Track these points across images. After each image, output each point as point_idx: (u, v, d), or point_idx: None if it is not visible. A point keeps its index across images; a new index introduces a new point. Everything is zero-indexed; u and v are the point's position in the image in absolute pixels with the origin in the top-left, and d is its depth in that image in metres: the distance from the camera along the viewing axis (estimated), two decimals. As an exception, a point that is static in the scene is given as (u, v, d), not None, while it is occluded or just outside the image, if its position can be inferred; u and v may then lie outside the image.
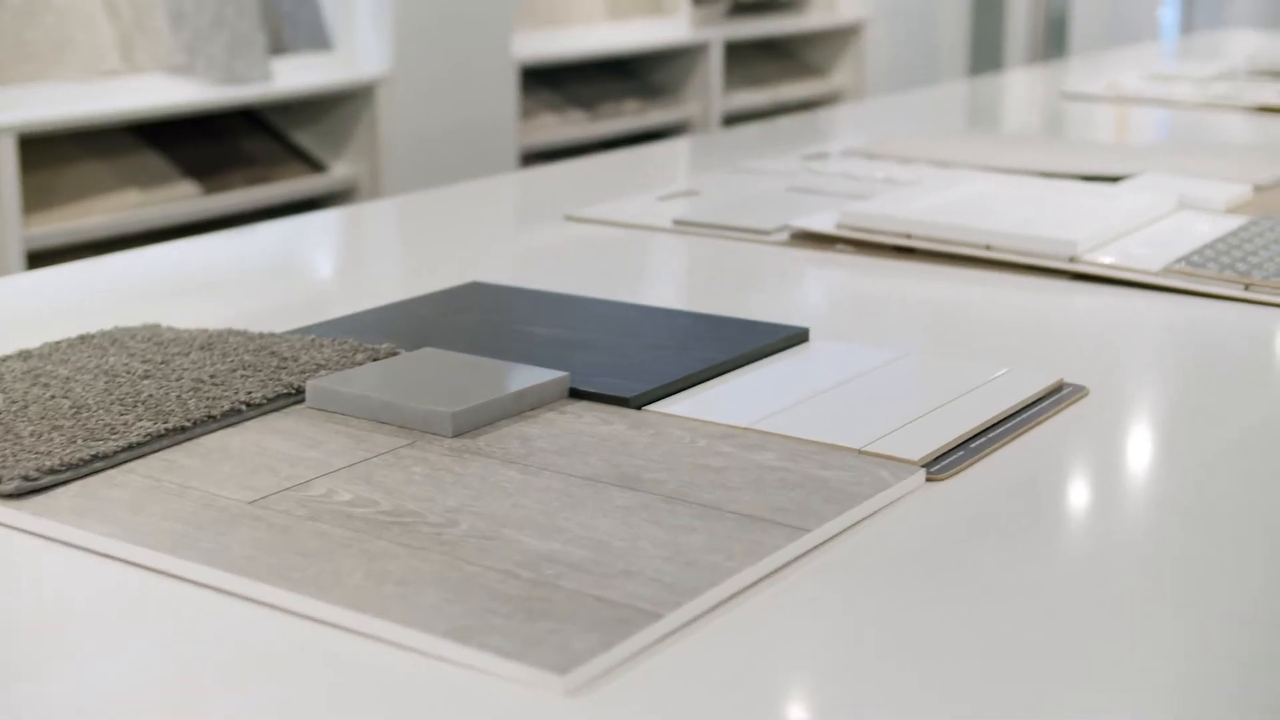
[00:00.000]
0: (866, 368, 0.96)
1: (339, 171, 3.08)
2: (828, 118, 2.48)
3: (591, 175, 1.76)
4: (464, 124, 3.19)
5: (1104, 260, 1.22)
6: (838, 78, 4.53)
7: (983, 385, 0.92)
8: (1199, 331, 1.11)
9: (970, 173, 1.57)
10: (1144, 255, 1.23)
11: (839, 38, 4.52)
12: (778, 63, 4.43)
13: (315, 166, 3.07)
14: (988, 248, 1.25)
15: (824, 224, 1.33)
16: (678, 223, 1.39)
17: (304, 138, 3.10)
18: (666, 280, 1.30)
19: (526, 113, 3.51)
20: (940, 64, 4.73)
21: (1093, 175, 1.60)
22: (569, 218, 1.44)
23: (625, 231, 1.39)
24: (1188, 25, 6.15)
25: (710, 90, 3.89)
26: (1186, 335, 1.11)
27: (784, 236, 1.34)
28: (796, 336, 1.02)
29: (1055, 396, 0.92)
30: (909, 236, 1.28)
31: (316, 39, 3.12)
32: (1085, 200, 1.39)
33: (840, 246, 1.31)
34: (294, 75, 2.99)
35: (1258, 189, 1.53)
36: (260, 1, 2.91)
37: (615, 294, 1.14)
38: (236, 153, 2.96)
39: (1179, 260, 1.21)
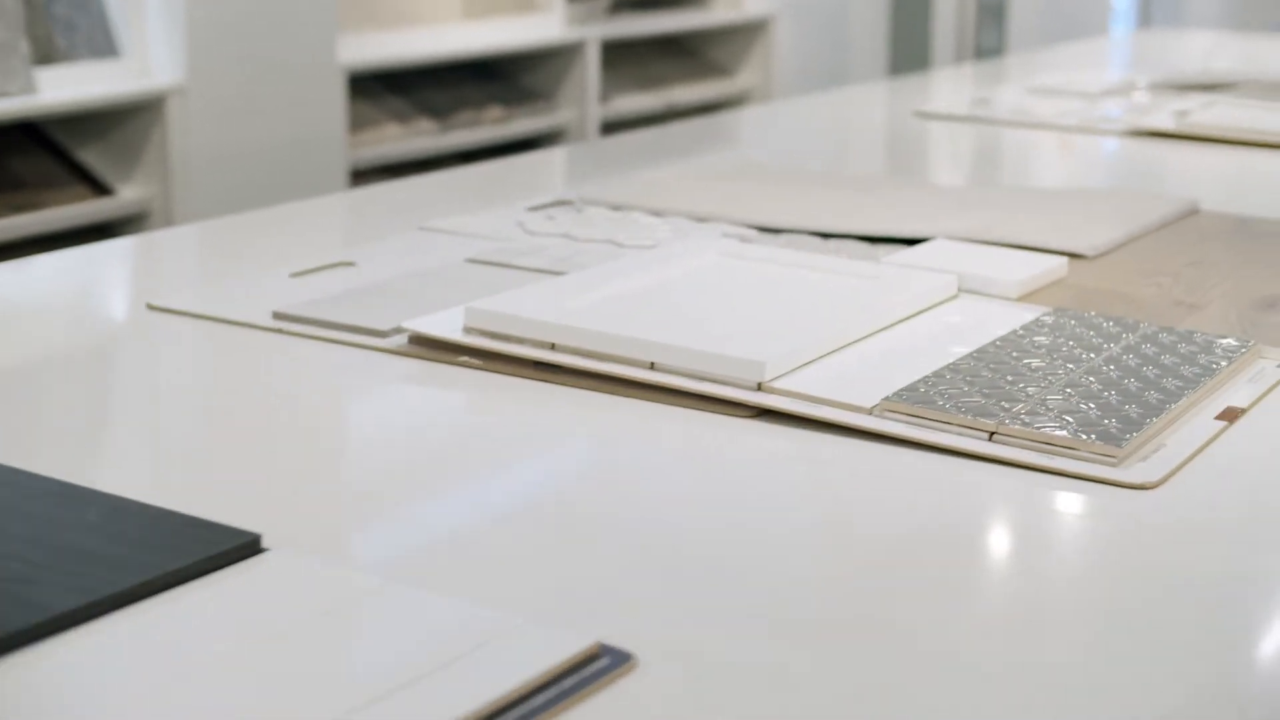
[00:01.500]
0: (292, 617, 0.61)
1: (127, 194, 2.72)
2: (713, 125, 2.14)
3: (373, 200, 1.40)
4: (277, 139, 2.84)
5: (801, 390, 0.87)
6: (744, 78, 4.18)
7: (452, 663, 0.58)
8: (905, 512, 0.76)
9: (703, 238, 1.22)
10: (866, 381, 0.88)
11: (744, 35, 4.16)
12: (678, 62, 4.08)
13: (101, 189, 2.71)
14: (652, 366, 0.91)
15: (446, 326, 0.98)
16: (277, 317, 1.04)
17: (89, 156, 2.74)
18: (186, 410, 0.95)
19: (365, 123, 3.15)
20: (856, 63, 4.38)
21: (879, 236, 1.26)
22: (151, 306, 1.09)
23: (209, 329, 1.04)
24: (1144, 20, 5.80)
25: (586, 95, 3.54)
26: (891, 517, 0.76)
27: (403, 339, 0.99)
28: (244, 548, 0.67)
29: (579, 674, 0.58)
30: (553, 347, 0.94)
31: (102, 46, 2.76)
32: (826, 286, 1.05)
33: (466, 359, 0.96)
34: (71, 86, 2.64)
35: (1077, 259, 1.19)
36: (22, 5, 2.55)
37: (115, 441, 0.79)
38: (3, 174, 2.60)
39: (903, 392, 0.86)
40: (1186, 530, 0.75)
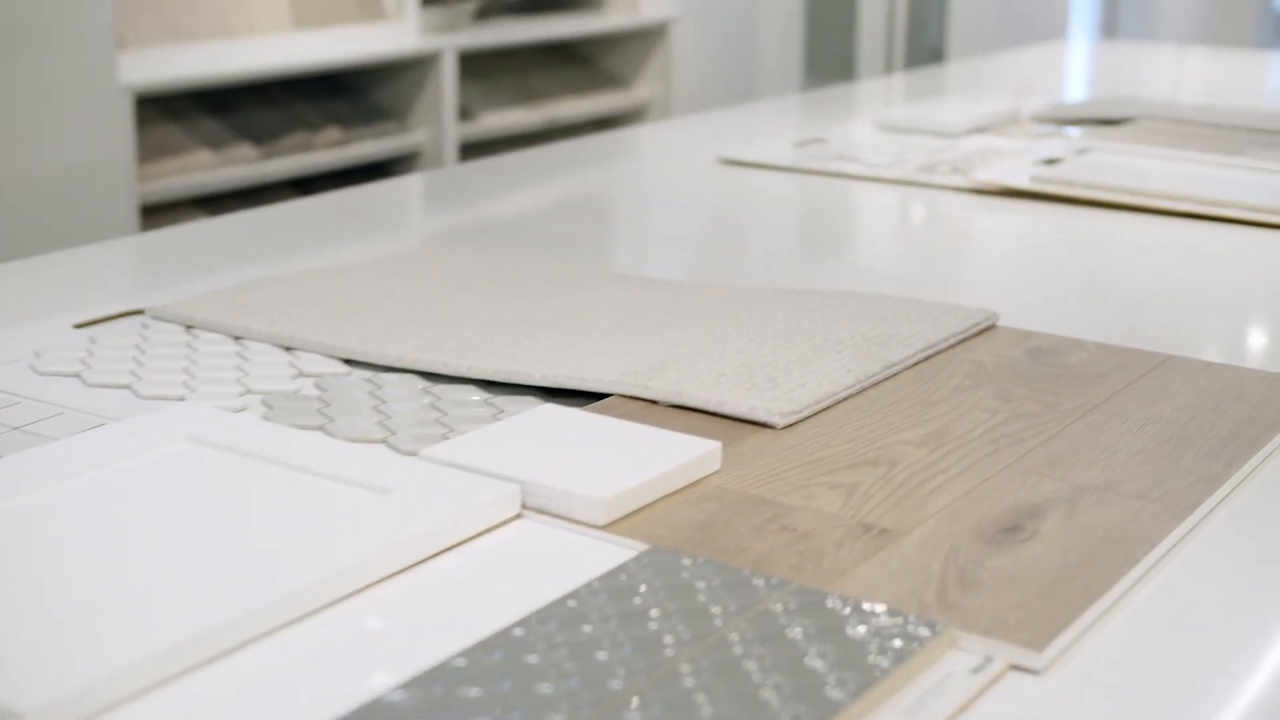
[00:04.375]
0: None
1: None
2: (575, 149, 1.80)
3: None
4: (39, 171, 2.48)
5: None
6: (642, 89, 3.82)
7: None
8: None
9: (177, 414, 0.87)
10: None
11: (642, 41, 3.80)
12: (568, 72, 3.72)
13: None
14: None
15: None
16: None
17: None
18: None
19: (171, 150, 2.79)
20: (768, 72, 4.01)
21: (512, 382, 0.90)
22: None
23: None
24: (1109, 30, 5.39)
25: (442, 112, 3.18)
26: None
27: None
28: None
29: None
30: None
31: None
32: (303, 509, 0.69)
33: None
34: None
35: (761, 430, 0.83)
36: None
37: None
38: None
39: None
40: None
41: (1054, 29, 4.81)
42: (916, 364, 0.94)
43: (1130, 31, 5.12)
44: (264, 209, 1.47)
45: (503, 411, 0.88)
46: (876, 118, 1.83)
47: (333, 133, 3.05)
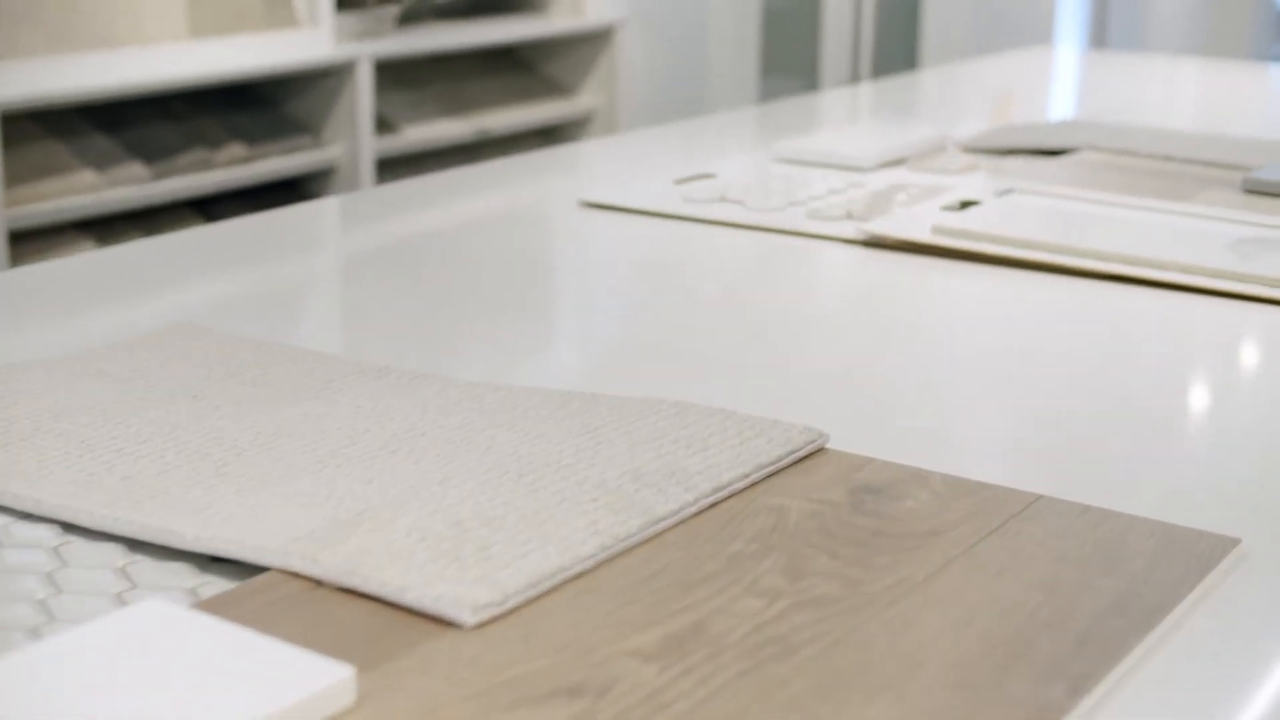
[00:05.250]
0: None
1: None
2: (481, 173, 1.60)
3: None
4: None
5: None
6: (586, 98, 3.60)
7: None
8: None
9: None
10: None
11: (586, 47, 3.58)
12: (511, 80, 3.50)
13: None
14: None
15: None
16: None
17: None
18: None
19: (49, 170, 2.58)
20: (721, 79, 3.78)
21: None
22: None
23: None
24: (1098, 40, 5.13)
25: (358, 125, 2.96)
26: None
27: None
28: None
29: None
30: None
31: None
32: None
33: None
34: None
35: (447, 631, 0.62)
36: None
37: None
38: None
39: None
40: None
41: (1039, 36, 4.57)
42: (697, 514, 0.73)
43: (1121, 41, 4.88)
44: (149, 240, 1.31)
45: (135, 588, 0.67)
46: (777, 148, 1.61)
47: (235, 149, 2.83)
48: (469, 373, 0.94)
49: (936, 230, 1.27)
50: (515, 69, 3.56)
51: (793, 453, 0.80)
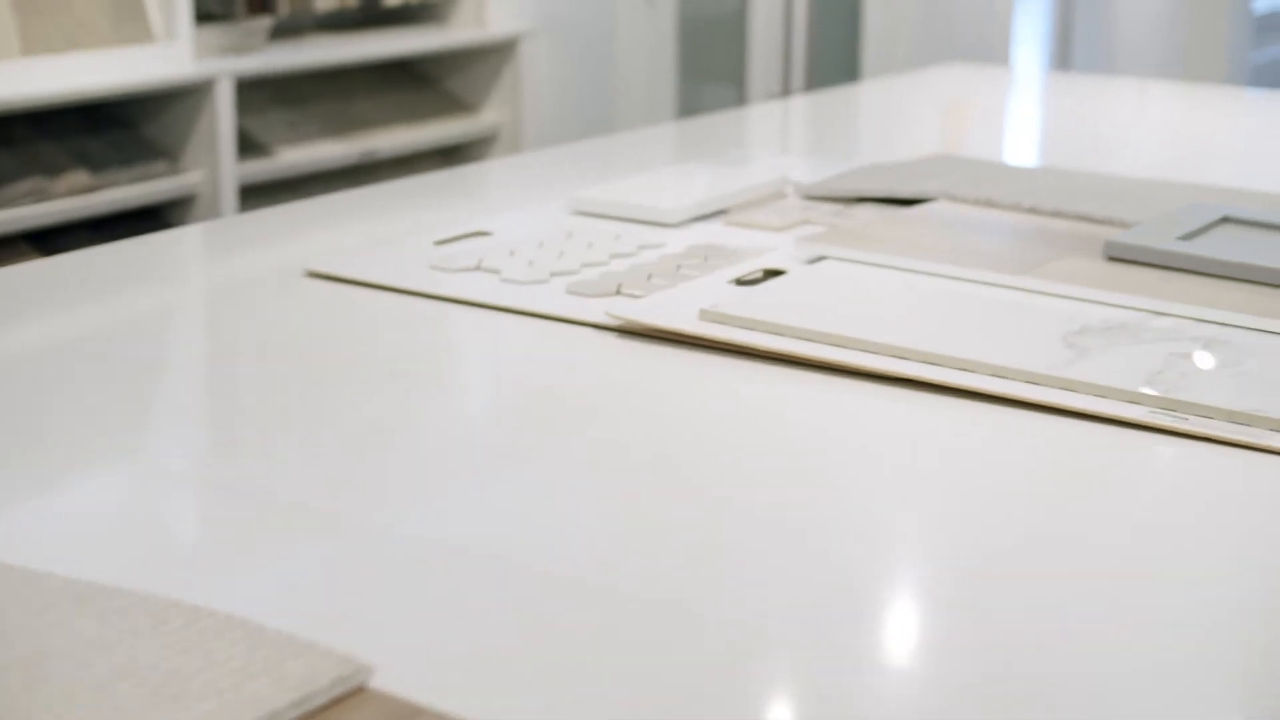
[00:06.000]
0: None
1: None
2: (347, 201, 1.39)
3: None
4: None
5: None
6: (490, 114, 3.37)
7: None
8: None
9: None
10: None
11: (490, 60, 3.35)
12: (408, 97, 3.28)
13: None
14: None
15: None
16: None
17: None
18: None
19: None
20: (634, 94, 3.54)
21: None
22: None
23: None
24: (1062, 61, 4.85)
25: (218, 148, 2.73)
26: None
27: None
28: None
29: None
30: None
31: None
32: None
33: None
34: None
35: None
36: None
37: None
38: None
39: None
40: None
41: (997, 53, 4.31)
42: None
43: (1087, 62, 4.63)
44: None
45: None
46: (575, 198, 1.38)
47: (77, 177, 2.60)
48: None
49: (705, 316, 1.04)
50: (412, 84, 3.34)
51: (307, 698, 0.57)
